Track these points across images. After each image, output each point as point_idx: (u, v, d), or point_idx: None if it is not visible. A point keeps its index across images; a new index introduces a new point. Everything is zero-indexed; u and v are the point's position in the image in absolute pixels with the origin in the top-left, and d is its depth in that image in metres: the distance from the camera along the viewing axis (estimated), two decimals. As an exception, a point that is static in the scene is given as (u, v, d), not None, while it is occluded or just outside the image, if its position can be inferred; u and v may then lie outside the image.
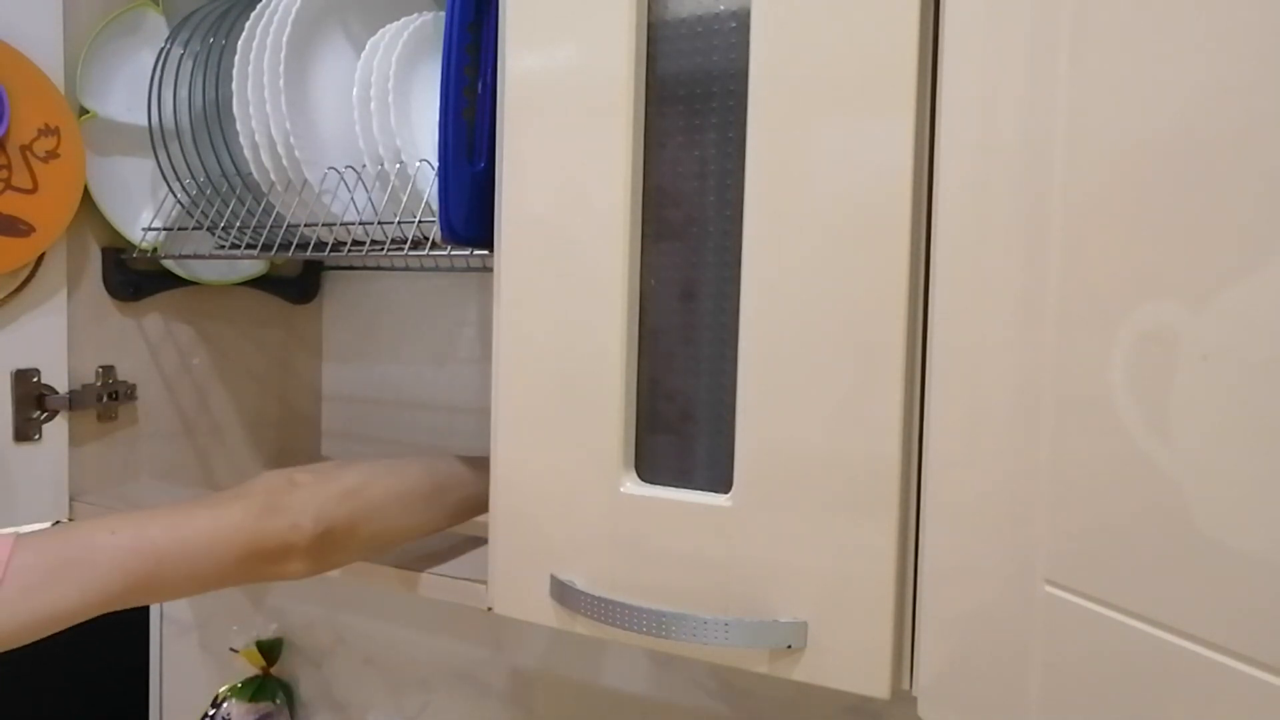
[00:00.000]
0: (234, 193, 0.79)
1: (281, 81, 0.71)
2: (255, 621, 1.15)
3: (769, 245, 0.50)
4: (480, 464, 0.66)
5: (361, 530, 0.60)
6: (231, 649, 1.12)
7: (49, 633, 0.50)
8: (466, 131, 0.61)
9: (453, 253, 0.67)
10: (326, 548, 0.58)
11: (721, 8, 0.53)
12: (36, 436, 0.80)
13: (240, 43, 0.73)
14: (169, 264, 0.89)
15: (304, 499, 0.58)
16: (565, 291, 0.56)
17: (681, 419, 0.56)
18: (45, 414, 0.81)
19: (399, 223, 0.71)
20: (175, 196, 0.83)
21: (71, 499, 0.83)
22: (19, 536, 0.51)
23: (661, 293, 0.55)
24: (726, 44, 0.52)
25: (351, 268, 1.06)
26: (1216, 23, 0.32)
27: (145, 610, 1.22)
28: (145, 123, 0.82)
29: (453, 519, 0.66)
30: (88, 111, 0.81)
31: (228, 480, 0.99)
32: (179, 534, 0.54)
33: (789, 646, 0.50)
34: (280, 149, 0.72)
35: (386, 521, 0.62)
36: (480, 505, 0.65)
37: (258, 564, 0.56)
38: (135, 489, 0.89)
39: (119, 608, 0.52)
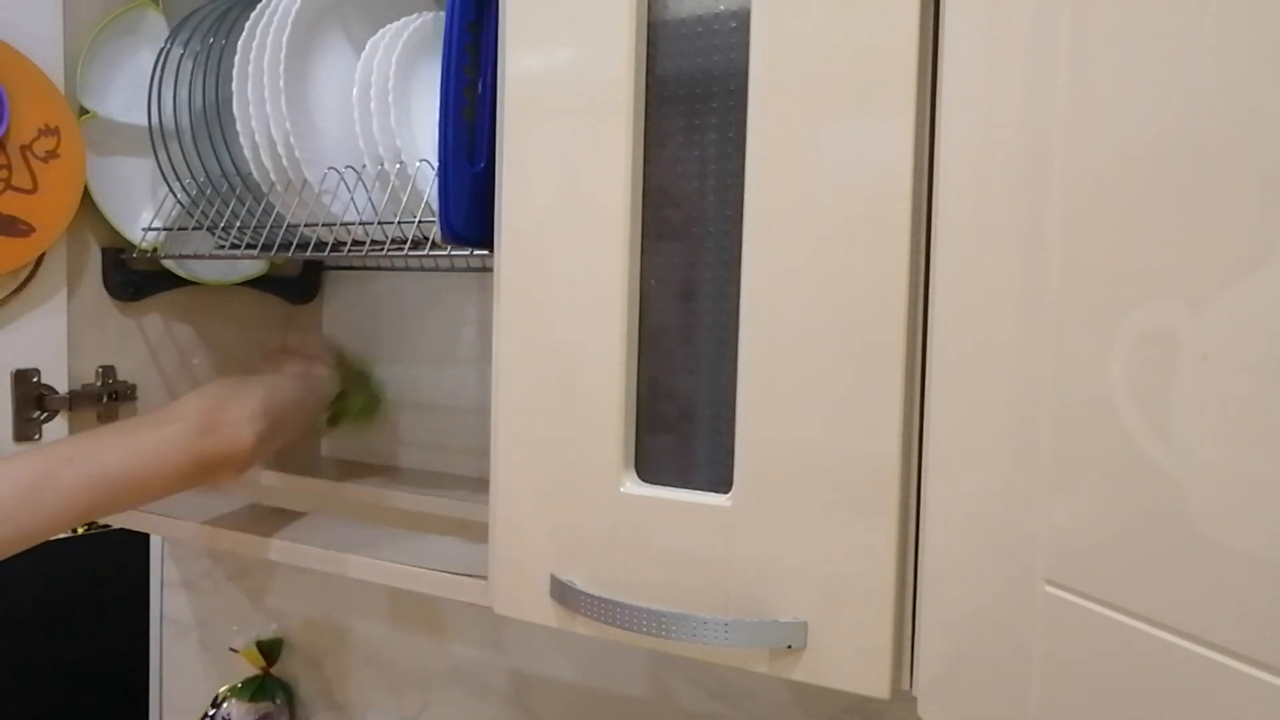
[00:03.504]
0: (234, 193, 0.79)
1: (281, 81, 0.71)
2: (255, 621, 1.15)
3: (769, 245, 0.50)
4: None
5: (276, 436, 0.73)
6: (231, 649, 1.12)
7: (21, 550, 0.58)
8: (466, 131, 0.61)
9: (453, 253, 0.67)
10: (256, 453, 0.69)
11: (721, 8, 0.53)
12: (36, 436, 0.80)
13: (240, 43, 0.73)
14: (169, 264, 0.89)
15: (235, 416, 0.68)
16: (565, 291, 0.56)
17: (681, 419, 0.56)
18: (45, 414, 0.81)
19: (399, 223, 0.71)
20: (175, 196, 0.83)
21: (71, 499, 0.83)
22: None
23: (661, 293, 0.55)
24: (726, 44, 0.52)
25: (351, 268, 1.06)
26: (1216, 23, 0.32)
27: (145, 610, 1.22)
28: (145, 123, 0.82)
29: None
30: (88, 111, 0.81)
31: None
32: (130, 461, 0.63)
33: (789, 646, 0.50)
34: (280, 149, 0.72)
35: (290, 425, 0.76)
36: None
37: (199, 475, 0.67)
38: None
39: (81, 523, 0.63)
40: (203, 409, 0.67)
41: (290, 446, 0.80)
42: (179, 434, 0.65)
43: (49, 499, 0.59)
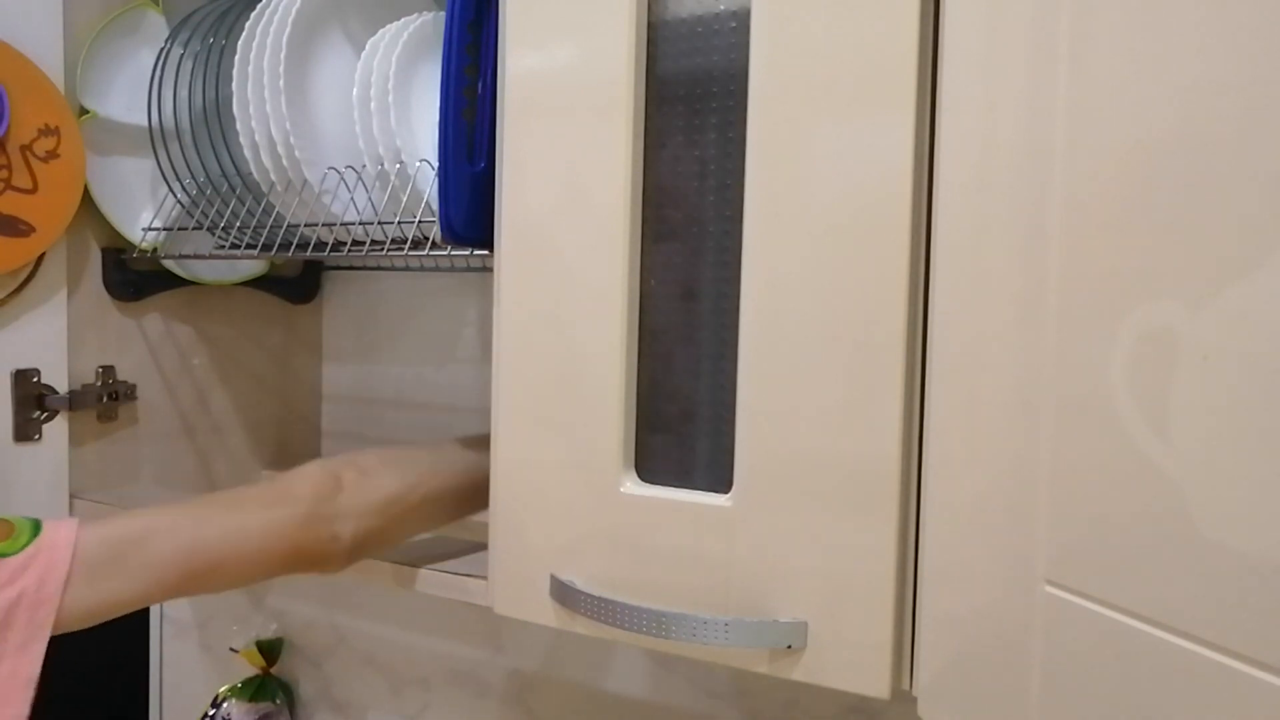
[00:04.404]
0: (234, 193, 0.79)
1: (281, 81, 0.71)
2: (255, 621, 1.15)
3: (769, 245, 0.50)
4: None
5: (393, 535, 0.63)
6: (231, 649, 1.12)
7: (107, 619, 0.53)
8: (466, 131, 0.61)
9: (453, 253, 0.67)
10: (359, 554, 0.61)
11: (721, 8, 0.53)
12: (36, 436, 0.80)
13: (240, 43, 0.73)
14: (169, 264, 0.89)
15: (346, 508, 0.60)
16: (565, 291, 0.56)
17: (681, 419, 0.56)
18: (45, 414, 0.81)
19: (399, 223, 0.71)
20: (175, 196, 0.83)
21: (71, 499, 0.83)
22: (81, 522, 0.54)
23: (661, 293, 0.55)
24: (726, 44, 0.52)
25: (351, 268, 1.06)
26: (1215, 22, 0.32)
27: (145, 610, 1.22)
28: (145, 123, 0.82)
29: (476, 510, 0.68)
30: (88, 111, 0.81)
31: (228, 481, 0.99)
32: (231, 539, 0.57)
33: (789, 646, 0.50)
34: (280, 149, 0.72)
35: (419, 525, 0.65)
36: None
37: (297, 565, 0.60)
38: (135, 489, 0.89)
39: (172, 598, 0.56)
40: (320, 492, 0.60)
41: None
42: (286, 519, 0.58)
43: (137, 568, 0.54)
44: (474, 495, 0.65)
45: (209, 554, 0.56)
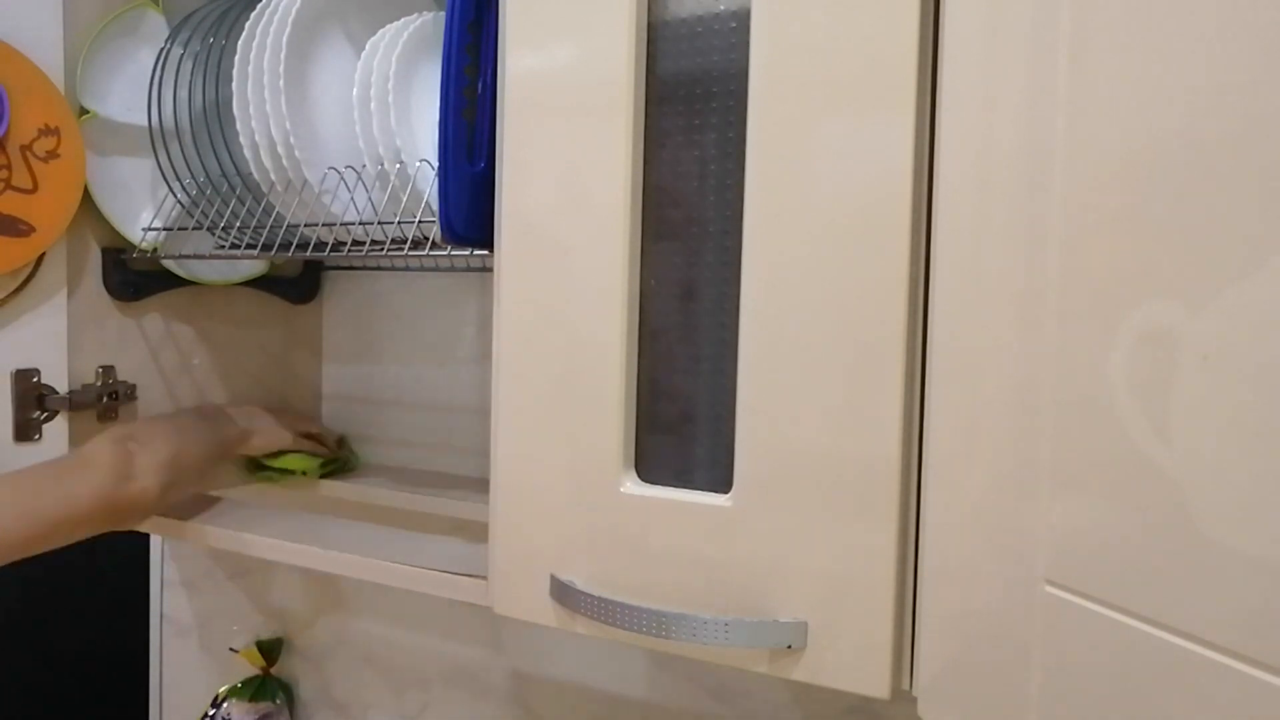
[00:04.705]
0: (234, 193, 0.79)
1: (281, 81, 0.71)
2: (255, 621, 1.15)
3: (769, 245, 0.50)
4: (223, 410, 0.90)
5: (179, 488, 0.76)
6: (231, 649, 1.12)
7: None
8: (466, 131, 0.61)
9: (453, 253, 0.67)
10: (162, 502, 0.73)
11: (721, 8, 0.53)
12: (36, 436, 0.80)
13: (240, 43, 0.73)
14: (169, 264, 0.89)
15: (145, 467, 0.72)
16: (565, 291, 0.56)
17: (681, 419, 0.56)
18: (45, 414, 0.81)
19: (399, 223, 0.71)
20: (175, 196, 0.83)
21: (71, 499, 0.83)
22: None
23: (661, 293, 0.55)
24: (726, 44, 0.52)
25: (351, 268, 1.06)
26: (1216, 23, 0.32)
27: (145, 610, 1.22)
28: (145, 123, 0.82)
29: (218, 466, 0.88)
30: (88, 111, 0.81)
31: (228, 480, 0.99)
32: (30, 520, 0.64)
33: (789, 646, 0.50)
34: (280, 149, 0.72)
35: (189, 481, 0.79)
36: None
37: (108, 522, 0.70)
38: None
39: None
40: (117, 456, 0.70)
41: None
42: (93, 481, 0.67)
43: None
44: (219, 459, 0.85)
45: (27, 521, 0.63)
